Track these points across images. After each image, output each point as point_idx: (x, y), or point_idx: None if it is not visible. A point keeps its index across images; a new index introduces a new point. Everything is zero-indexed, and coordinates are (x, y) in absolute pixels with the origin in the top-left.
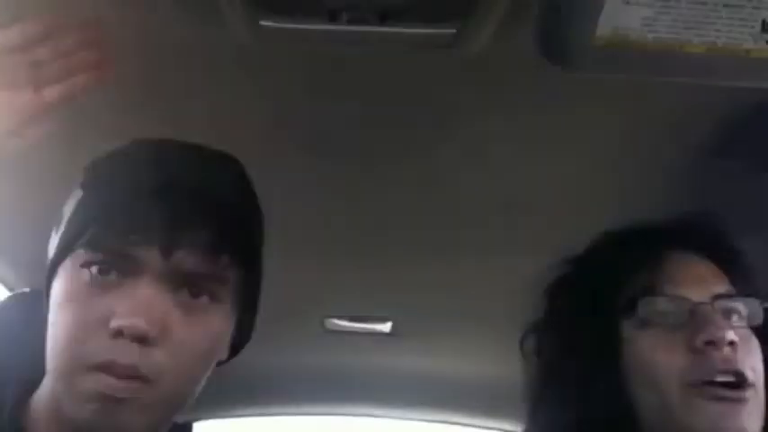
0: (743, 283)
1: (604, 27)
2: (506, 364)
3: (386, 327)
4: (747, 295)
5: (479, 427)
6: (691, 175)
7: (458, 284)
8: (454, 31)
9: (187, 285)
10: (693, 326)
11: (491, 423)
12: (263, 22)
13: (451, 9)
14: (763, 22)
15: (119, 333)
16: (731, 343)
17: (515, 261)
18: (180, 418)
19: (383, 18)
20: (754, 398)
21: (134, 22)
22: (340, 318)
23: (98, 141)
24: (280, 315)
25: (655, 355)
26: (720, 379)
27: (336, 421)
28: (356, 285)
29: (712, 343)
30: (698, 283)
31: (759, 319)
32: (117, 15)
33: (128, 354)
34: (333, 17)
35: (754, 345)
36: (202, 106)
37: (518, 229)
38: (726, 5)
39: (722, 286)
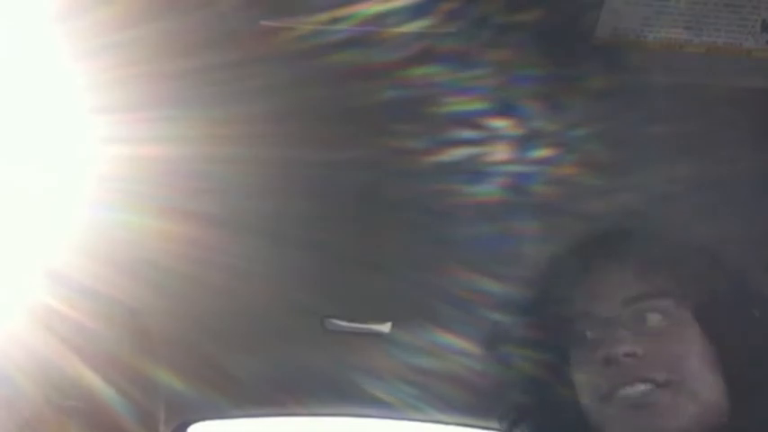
0: (669, 281)
1: (604, 27)
2: (506, 364)
3: (386, 327)
4: (669, 293)
5: (479, 427)
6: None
7: (458, 285)
8: (454, 30)
9: None
10: (595, 345)
11: (491, 423)
12: (263, 22)
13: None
14: (763, 22)
15: None
16: (630, 354)
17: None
18: (180, 419)
19: None
20: (675, 396)
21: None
22: (340, 318)
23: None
24: (280, 315)
25: (578, 372)
26: (629, 391)
27: (336, 421)
28: (356, 286)
29: (608, 360)
30: (610, 292)
31: (684, 317)
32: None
33: None
34: None
35: (678, 341)
36: (203, 104)
37: (514, 235)
38: (726, 5)
39: (637, 289)
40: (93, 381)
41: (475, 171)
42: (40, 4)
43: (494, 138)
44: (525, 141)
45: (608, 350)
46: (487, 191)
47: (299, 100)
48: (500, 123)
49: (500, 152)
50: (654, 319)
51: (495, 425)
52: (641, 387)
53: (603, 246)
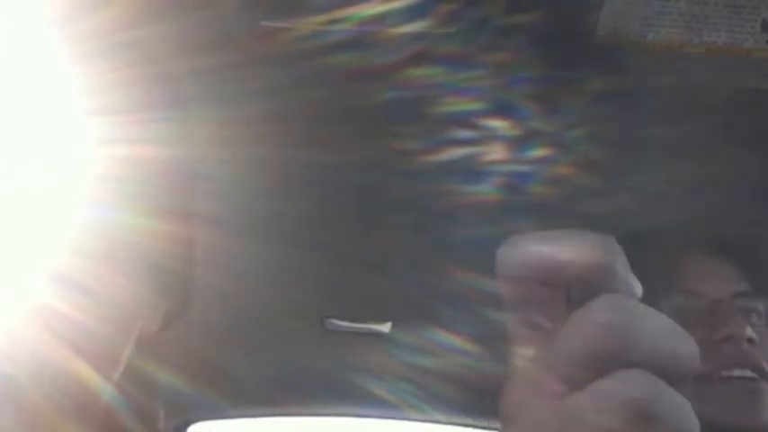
0: (762, 284)
1: (604, 27)
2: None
3: (386, 327)
4: (762, 296)
5: (479, 427)
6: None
7: (458, 285)
8: (454, 31)
9: None
10: (712, 322)
11: (491, 423)
12: (264, 23)
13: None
14: (763, 21)
15: None
16: (750, 340)
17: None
18: (180, 419)
19: None
20: None
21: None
22: (340, 318)
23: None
24: (280, 315)
25: None
26: (738, 373)
27: (336, 421)
28: (356, 286)
29: (730, 339)
30: (717, 280)
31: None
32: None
33: None
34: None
35: None
36: (204, 106)
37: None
38: (726, 5)
39: (741, 285)
40: (93, 380)
41: (475, 171)
42: (39, 5)
43: (494, 138)
44: (526, 142)
45: (732, 330)
46: (488, 191)
47: (299, 101)
48: (500, 124)
49: (500, 153)
50: (755, 318)
51: (496, 425)
52: (750, 373)
53: (692, 235)
